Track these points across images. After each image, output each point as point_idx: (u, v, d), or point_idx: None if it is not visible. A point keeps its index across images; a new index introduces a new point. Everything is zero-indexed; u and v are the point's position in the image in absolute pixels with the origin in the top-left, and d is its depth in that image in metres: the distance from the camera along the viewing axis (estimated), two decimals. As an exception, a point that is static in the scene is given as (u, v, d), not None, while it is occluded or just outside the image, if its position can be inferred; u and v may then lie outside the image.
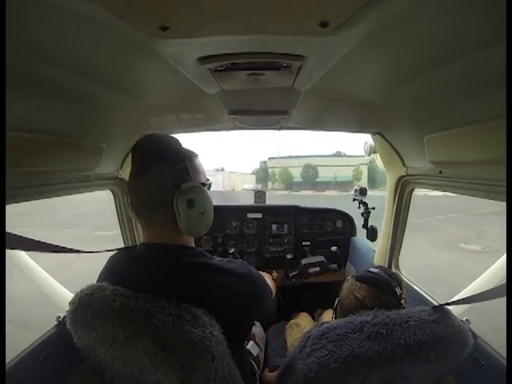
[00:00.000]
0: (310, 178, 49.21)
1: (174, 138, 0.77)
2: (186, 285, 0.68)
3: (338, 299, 0.91)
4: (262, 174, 56.38)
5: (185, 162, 0.72)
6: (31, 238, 0.60)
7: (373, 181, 44.46)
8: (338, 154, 57.64)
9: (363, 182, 44.85)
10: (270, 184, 52.43)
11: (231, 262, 0.78)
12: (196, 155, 0.81)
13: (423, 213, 10.96)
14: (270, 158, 59.25)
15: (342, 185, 44.51)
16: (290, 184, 49.68)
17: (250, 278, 0.76)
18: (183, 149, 0.77)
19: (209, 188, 0.82)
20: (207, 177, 0.84)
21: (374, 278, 0.84)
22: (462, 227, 9.85)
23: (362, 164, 46.19)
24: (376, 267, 0.90)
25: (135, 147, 0.76)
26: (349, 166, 48.08)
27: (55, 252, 0.68)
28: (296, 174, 50.71)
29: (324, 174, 48.40)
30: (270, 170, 54.66)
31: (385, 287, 0.82)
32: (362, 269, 0.92)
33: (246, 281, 0.75)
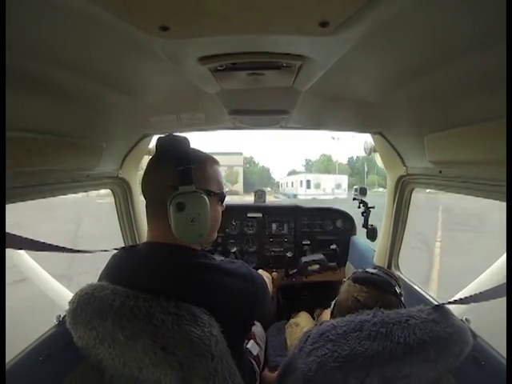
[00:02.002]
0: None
1: (184, 139, 0.75)
2: (186, 284, 0.68)
3: (334, 302, 0.90)
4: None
5: (188, 164, 0.70)
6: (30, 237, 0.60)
7: (250, 184, 38.08)
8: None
9: (239, 186, 36.90)
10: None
11: (232, 263, 0.78)
12: (212, 161, 0.79)
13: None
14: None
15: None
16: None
17: (249, 278, 0.77)
18: (192, 151, 0.75)
19: (221, 198, 0.80)
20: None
21: (374, 278, 0.83)
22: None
23: (237, 165, 37.39)
24: (373, 267, 0.89)
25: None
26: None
27: (55, 251, 0.68)
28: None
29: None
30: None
31: (386, 287, 0.81)
32: (359, 270, 0.91)
33: (246, 281, 0.75)
